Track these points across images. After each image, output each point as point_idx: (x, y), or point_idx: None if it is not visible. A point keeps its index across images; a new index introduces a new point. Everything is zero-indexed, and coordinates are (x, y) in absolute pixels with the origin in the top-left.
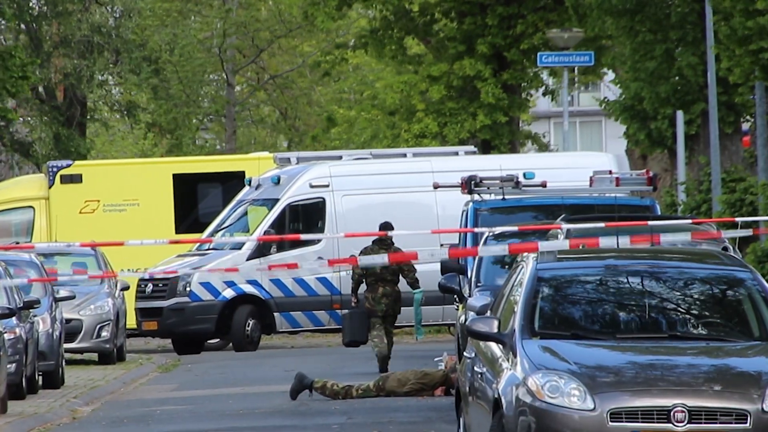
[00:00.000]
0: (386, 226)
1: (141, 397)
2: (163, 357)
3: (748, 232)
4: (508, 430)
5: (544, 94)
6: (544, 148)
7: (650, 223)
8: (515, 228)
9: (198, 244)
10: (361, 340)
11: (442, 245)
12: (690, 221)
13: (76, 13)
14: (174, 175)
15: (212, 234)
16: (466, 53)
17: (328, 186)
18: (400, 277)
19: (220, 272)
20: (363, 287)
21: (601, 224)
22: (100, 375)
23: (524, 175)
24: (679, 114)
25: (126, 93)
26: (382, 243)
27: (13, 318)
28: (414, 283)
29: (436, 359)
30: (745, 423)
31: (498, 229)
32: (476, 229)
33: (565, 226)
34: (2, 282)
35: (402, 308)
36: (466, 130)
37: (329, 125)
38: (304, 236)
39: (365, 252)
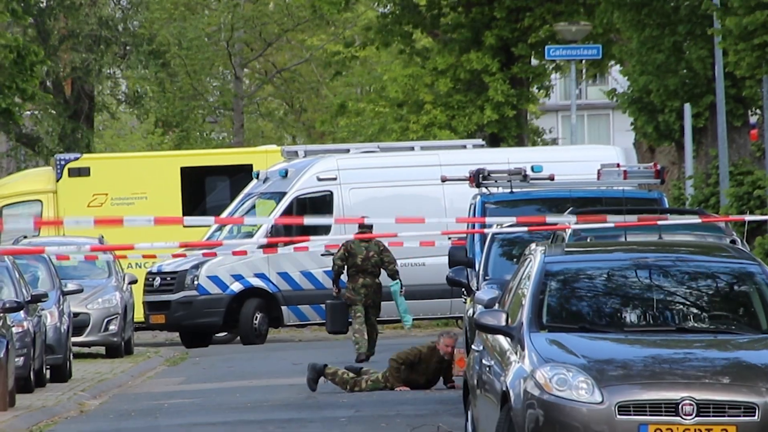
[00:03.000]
0: (365, 226)
1: (149, 391)
2: (170, 350)
3: (758, 218)
4: (516, 423)
5: (562, 74)
6: (542, 139)
7: (660, 223)
8: (524, 229)
9: (206, 236)
10: (340, 330)
11: (450, 238)
12: (700, 220)
13: (84, 7)
14: (182, 169)
15: (220, 228)
16: (473, 45)
17: (335, 179)
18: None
19: (230, 260)
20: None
21: (611, 224)
22: (107, 368)
23: (532, 168)
24: (687, 107)
25: (132, 87)
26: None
27: (21, 312)
28: (394, 275)
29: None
30: (754, 416)
31: (506, 227)
32: (486, 230)
33: (574, 226)
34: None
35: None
36: (474, 123)
37: (339, 111)
38: (313, 238)
39: (346, 246)
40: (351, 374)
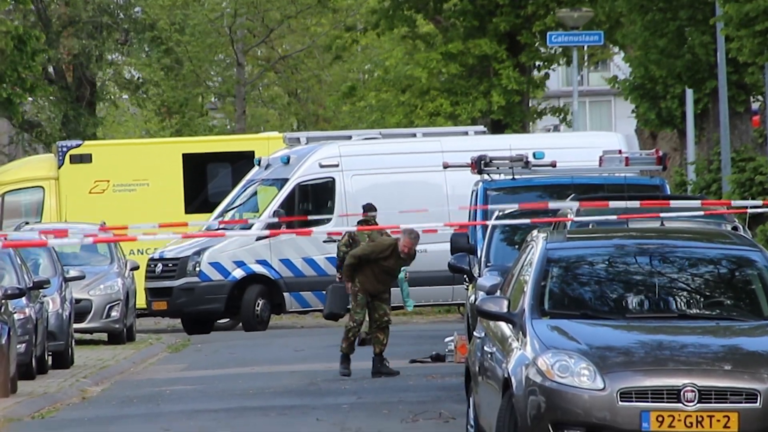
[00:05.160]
0: (370, 208)
1: (150, 377)
2: (172, 337)
3: (759, 209)
4: (517, 410)
5: (568, 63)
6: (567, 120)
7: (662, 215)
8: (527, 221)
9: (208, 224)
10: (338, 312)
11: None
12: (701, 204)
13: None
14: (184, 155)
15: (222, 214)
16: (478, 31)
17: (337, 166)
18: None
19: (232, 246)
20: None
21: (614, 217)
22: (109, 355)
23: (534, 154)
24: (689, 93)
25: (134, 75)
26: (367, 224)
27: (23, 298)
28: None
29: (446, 339)
30: (756, 402)
31: (507, 212)
32: (488, 222)
33: (576, 219)
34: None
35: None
36: (477, 109)
37: (348, 93)
38: (316, 229)
39: (350, 233)
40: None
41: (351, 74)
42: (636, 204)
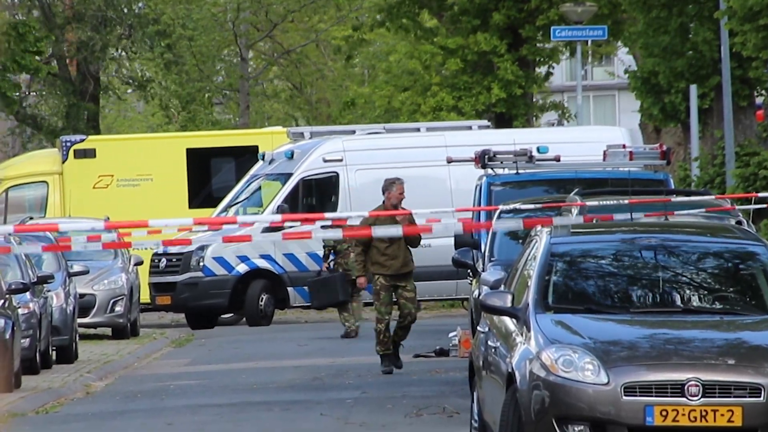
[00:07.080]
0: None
1: (154, 372)
2: (176, 332)
3: (763, 205)
4: (521, 405)
5: (571, 54)
6: (566, 116)
7: (671, 219)
8: (531, 206)
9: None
10: (326, 303)
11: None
12: (712, 197)
13: None
14: (187, 150)
15: (226, 209)
16: (480, 27)
17: (341, 160)
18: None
19: (235, 242)
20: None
21: (624, 200)
22: (113, 350)
23: (538, 149)
24: (693, 88)
25: (135, 70)
26: None
27: (27, 293)
28: None
29: (450, 334)
30: (759, 397)
31: (512, 205)
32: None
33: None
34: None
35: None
36: (481, 103)
37: (347, 105)
38: (328, 215)
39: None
40: (383, 329)
41: (355, 69)
42: (640, 215)
